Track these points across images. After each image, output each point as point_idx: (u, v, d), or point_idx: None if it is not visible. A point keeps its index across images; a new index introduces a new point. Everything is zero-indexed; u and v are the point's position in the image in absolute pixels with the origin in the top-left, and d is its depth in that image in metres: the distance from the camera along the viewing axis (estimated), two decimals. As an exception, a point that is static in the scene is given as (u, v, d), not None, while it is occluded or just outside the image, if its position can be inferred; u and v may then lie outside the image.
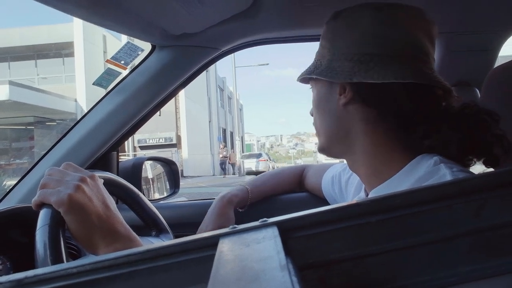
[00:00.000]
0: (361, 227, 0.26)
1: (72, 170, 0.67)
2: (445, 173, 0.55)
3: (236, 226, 0.29)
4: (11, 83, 14.00)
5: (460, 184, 0.28)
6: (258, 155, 23.84)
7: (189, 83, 1.20)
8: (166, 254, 0.27)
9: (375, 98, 0.65)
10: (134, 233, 0.67)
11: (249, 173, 20.63)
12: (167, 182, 1.50)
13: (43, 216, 0.59)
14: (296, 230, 0.27)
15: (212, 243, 0.27)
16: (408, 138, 0.64)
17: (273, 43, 1.20)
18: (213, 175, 21.81)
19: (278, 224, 0.28)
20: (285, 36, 1.19)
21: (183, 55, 1.12)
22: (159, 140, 19.65)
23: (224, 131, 28.90)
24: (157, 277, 0.27)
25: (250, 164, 21.75)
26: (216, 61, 1.18)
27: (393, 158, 0.65)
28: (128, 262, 0.27)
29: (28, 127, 17.78)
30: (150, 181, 1.53)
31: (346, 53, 0.66)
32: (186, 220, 1.21)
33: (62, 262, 0.56)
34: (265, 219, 0.29)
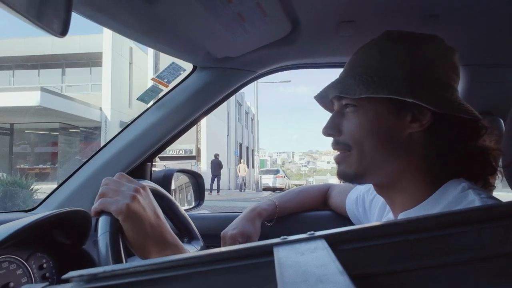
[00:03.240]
0: (398, 245, 0.28)
1: (125, 180, 0.71)
2: (473, 199, 0.57)
3: (286, 237, 0.31)
4: (43, 89, 14.38)
5: (489, 210, 0.30)
6: (276, 172, 23.66)
7: (223, 102, 1.26)
8: (222, 259, 0.29)
9: (444, 129, 0.64)
10: (180, 241, 0.70)
11: (266, 189, 20.49)
12: (188, 194, 1.57)
13: (104, 223, 0.63)
14: (341, 243, 0.29)
15: (266, 251, 0.29)
16: (439, 164, 0.66)
17: (308, 68, 1.25)
18: (229, 189, 21.77)
19: (325, 237, 0.30)
20: (319, 62, 1.24)
21: (222, 76, 1.18)
22: (179, 152, 19.62)
23: (241, 145, 28.94)
24: (213, 279, 0.29)
25: (268, 180, 21.61)
26: (251, 82, 1.24)
27: (427, 184, 0.66)
28: (187, 264, 0.30)
29: (52, 133, 18.21)
30: (172, 192, 1.59)
31: (428, 78, 0.64)
32: (211, 231, 1.24)
33: (122, 263, 0.60)
34: (312, 232, 0.31)
